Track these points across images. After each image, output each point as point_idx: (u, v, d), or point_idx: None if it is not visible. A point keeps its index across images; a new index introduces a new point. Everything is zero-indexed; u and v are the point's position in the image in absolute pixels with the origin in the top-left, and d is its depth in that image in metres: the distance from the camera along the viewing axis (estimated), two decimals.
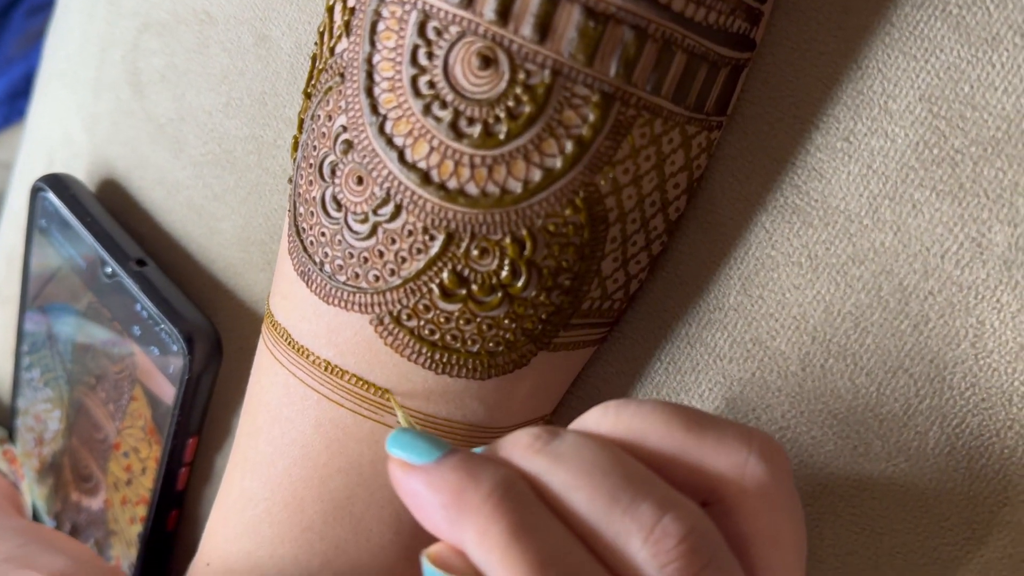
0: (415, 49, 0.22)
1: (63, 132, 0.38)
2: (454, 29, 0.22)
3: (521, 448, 0.21)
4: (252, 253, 0.34)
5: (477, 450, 0.22)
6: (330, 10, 0.25)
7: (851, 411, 0.26)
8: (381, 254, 0.25)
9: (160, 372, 0.34)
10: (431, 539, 0.29)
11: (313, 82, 0.26)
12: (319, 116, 0.25)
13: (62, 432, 0.40)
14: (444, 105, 0.23)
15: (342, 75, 0.24)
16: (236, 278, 0.34)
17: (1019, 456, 0.25)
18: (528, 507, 0.20)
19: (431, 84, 0.23)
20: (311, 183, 0.25)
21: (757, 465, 0.21)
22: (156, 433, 0.35)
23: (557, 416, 0.31)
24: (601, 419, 0.22)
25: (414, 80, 0.23)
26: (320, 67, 0.25)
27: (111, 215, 0.35)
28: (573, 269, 0.25)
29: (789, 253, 0.27)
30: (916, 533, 0.26)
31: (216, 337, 0.33)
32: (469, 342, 0.25)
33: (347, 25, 0.24)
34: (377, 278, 0.25)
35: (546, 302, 0.25)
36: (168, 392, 0.34)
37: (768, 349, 0.27)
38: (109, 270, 0.34)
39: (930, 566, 0.26)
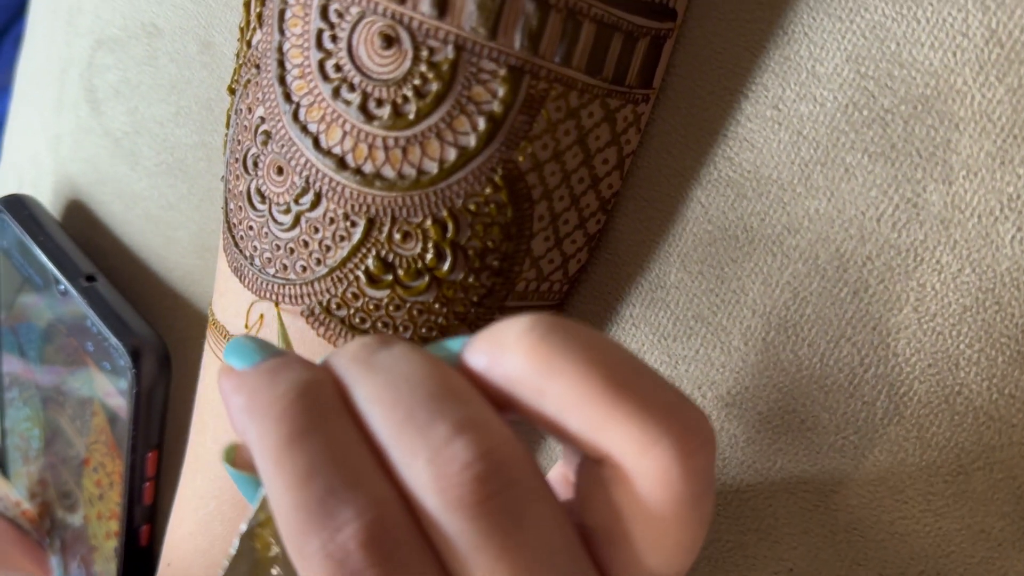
0: (320, 33, 0.23)
1: (31, 153, 0.39)
2: (354, 10, 0.22)
3: (344, 355, 0.19)
4: (208, 260, 0.34)
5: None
6: (246, 5, 0.25)
7: (795, 384, 0.26)
8: (306, 244, 0.24)
9: (113, 387, 0.34)
10: None
11: (236, 77, 0.26)
12: (241, 110, 0.25)
13: (42, 450, 0.41)
14: (352, 88, 0.23)
15: (258, 66, 0.24)
16: (194, 285, 0.34)
17: (969, 423, 0.24)
18: (318, 414, 0.18)
19: (338, 67, 0.23)
20: (238, 177, 0.26)
21: (666, 452, 0.18)
22: (117, 448, 0.35)
23: None
24: (522, 338, 0.19)
25: (321, 64, 0.23)
26: (240, 61, 0.26)
27: (67, 232, 0.36)
28: (501, 249, 0.24)
29: (725, 227, 0.26)
30: (871, 508, 0.26)
31: (164, 351, 0.33)
32: (401, 328, 0.25)
33: (259, 16, 0.24)
34: (304, 268, 0.25)
35: (476, 284, 0.25)
36: (123, 407, 0.34)
37: (710, 325, 0.27)
38: (62, 287, 0.34)
39: (888, 540, 0.26)
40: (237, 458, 0.19)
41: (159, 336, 0.33)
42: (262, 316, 0.26)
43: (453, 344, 0.20)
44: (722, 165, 0.26)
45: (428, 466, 0.17)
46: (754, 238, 0.26)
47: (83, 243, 0.36)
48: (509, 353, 0.19)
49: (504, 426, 0.18)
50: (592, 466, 0.19)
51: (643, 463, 0.18)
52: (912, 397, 0.25)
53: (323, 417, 0.18)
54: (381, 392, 0.18)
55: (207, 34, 0.32)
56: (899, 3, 0.24)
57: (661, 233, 0.27)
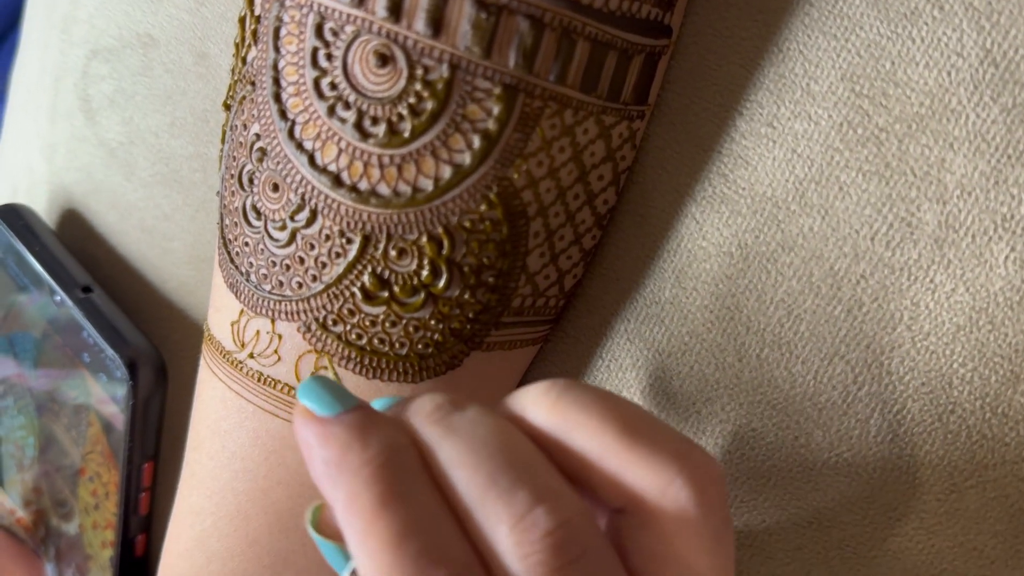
0: (315, 51, 0.23)
1: (25, 162, 0.39)
2: (349, 29, 0.22)
3: (422, 414, 0.21)
4: (203, 270, 0.34)
5: (379, 403, 0.22)
6: (241, 21, 0.25)
7: (789, 401, 0.26)
8: (302, 260, 0.24)
9: (109, 398, 0.34)
10: None
11: (231, 93, 0.26)
12: (236, 126, 0.25)
13: (36, 458, 0.41)
14: (347, 106, 0.23)
15: (253, 83, 0.24)
16: (189, 296, 0.34)
17: (962, 441, 0.24)
18: (406, 478, 0.19)
19: (333, 85, 0.23)
20: (233, 193, 0.26)
21: (682, 490, 0.20)
22: (113, 458, 0.35)
23: None
24: (541, 398, 0.21)
25: (316, 82, 0.23)
26: (235, 78, 0.25)
27: (62, 242, 0.36)
28: (496, 266, 0.24)
29: (720, 243, 0.26)
30: (864, 525, 0.26)
31: (160, 362, 0.33)
32: (397, 345, 0.25)
33: (254, 34, 0.24)
34: (300, 285, 0.25)
35: (471, 301, 0.25)
36: (119, 418, 0.34)
37: (705, 341, 0.27)
38: (58, 298, 0.34)
39: (880, 558, 0.26)
40: (322, 522, 0.20)
41: (155, 347, 0.33)
42: (258, 332, 0.26)
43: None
44: (717, 182, 0.26)
45: (511, 532, 0.19)
46: (748, 255, 0.26)
47: (78, 253, 0.36)
48: (531, 413, 0.20)
49: (575, 495, 0.20)
50: (617, 518, 0.21)
51: (663, 503, 0.20)
52: (905, 415, 0.25)
53: (411, 480, 0.19)
54: (463, 456, 0.20)
55: (202, 45, 0.32)
56: (894, 22, 0.24)
57: (656, 249, 0.27)
